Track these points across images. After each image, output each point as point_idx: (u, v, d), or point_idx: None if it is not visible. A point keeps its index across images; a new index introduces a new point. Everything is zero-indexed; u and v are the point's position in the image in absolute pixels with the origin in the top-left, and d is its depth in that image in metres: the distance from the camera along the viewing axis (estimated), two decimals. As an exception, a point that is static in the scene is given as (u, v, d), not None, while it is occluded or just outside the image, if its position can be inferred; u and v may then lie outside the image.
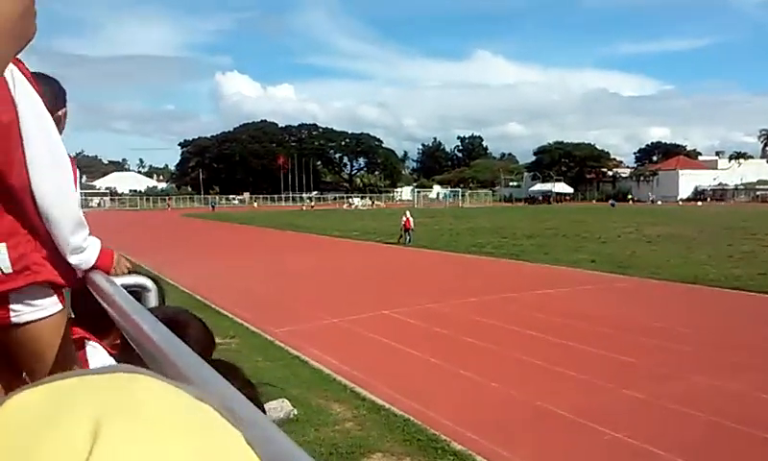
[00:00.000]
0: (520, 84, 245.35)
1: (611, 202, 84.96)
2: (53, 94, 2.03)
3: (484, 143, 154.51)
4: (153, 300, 1.79)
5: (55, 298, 1.74)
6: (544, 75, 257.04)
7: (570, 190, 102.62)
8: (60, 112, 2.05)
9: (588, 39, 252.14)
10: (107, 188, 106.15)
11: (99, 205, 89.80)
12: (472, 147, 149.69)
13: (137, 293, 1.74)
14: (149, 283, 1.83)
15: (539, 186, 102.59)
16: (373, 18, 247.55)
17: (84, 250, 1.74)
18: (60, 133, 2.13)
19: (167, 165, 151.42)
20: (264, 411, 1.03)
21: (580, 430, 5.97)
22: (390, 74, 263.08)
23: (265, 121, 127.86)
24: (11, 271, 1.64)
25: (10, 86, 1.56)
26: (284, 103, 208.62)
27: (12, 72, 1.55)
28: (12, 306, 1.66)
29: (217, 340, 6.40)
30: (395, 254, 22.70)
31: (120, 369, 0.36)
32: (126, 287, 1.55)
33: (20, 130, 1.57)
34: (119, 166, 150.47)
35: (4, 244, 1.63)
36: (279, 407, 6.14)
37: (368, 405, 6.59)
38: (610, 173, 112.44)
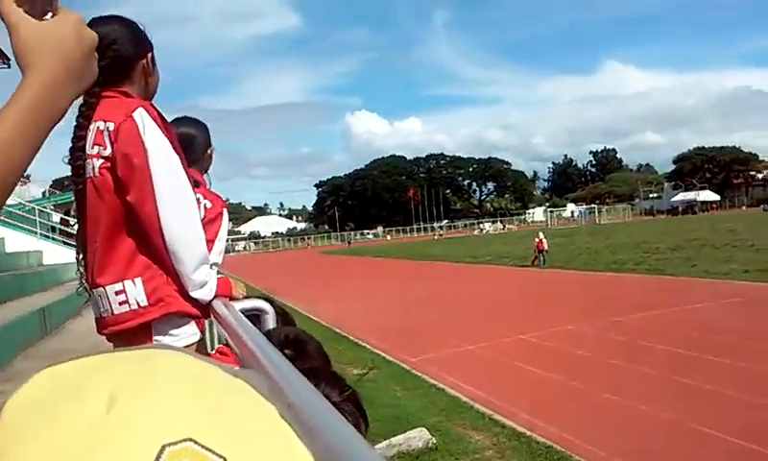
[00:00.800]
0: (653, 91, 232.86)
1: (762, 207, 77.95)
2: (203, 135, 2.33)
3: (618, 155, 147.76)
4: (270, 322, 1.90)
5: (193, 326, 1.90)
6: (678, 79, 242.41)
7: (717, 198, 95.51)
8: (209, 150, 2.33)
9: (723, 37, 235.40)
10: (250, 232, 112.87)
11: (244, 248, 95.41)
12: (606, 160, 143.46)
13: (256, 316, 1.85)
14: (266, 306, 1.93)
15: (681, 196, 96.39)
16: (493, 42, 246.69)
17: (205, 284, 1.89)
18: (209, 168, 2.37)
19: (305, 206, 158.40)
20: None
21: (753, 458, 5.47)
22: (514, 95, 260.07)
23: (394, 155, 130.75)
24: (146, 304, 1.82)
25: (140, 131, 1.74)
26: (411, 136, 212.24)
27: (142, 117, 1.75)
28: (155, 337, 1.84)
29: (355, 371, 6.58)
30: (528, 276, 22.19)
31: (152, 347, 0.37)
32: (245, 311, 1.66)
33: (150, 171, 1.75)
34: (261, 211, 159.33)
35: (140, 278, 1.82)
36: (418, 436, 6.17)
37: (507, 433, 6.46)
38: (760, 176, 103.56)
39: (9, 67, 21.52)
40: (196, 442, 0.30)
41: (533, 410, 7.01)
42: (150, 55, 1.96)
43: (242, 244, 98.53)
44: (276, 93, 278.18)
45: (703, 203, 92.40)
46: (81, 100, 1.77)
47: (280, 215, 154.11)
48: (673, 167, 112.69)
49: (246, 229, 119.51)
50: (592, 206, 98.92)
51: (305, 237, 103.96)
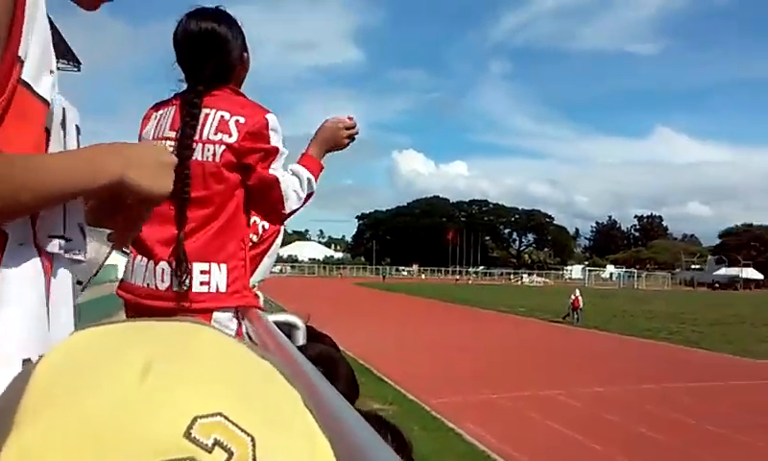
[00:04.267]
0: (703, 163, 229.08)
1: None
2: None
3: (664, 223, 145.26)
4: (301, 338, 1.97)
5: (236, 324, 1.98)
6: (729, 153, 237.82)
7: (760, 276, 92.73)
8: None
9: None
10: (288, 256, 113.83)
11: (281, 271, 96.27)
12: (651, 227, 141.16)
13: (286, 331, 1.92)
14: (298, 322, 2.01)
15: (724, 271, 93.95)
16: (546, 97, 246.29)
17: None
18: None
19: (344, 236, 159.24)
20: None
21: None
22: (562, 152, 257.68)
23: (437, 197, 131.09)
24: (225, 290, 1.90)
25: (270, 131, 1.96)
26: (456, 179, 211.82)
27: (274, 122, 1.98)
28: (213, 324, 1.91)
29: (375, 406, 6.62)
30: (561, 333, 21.92)
31: (186, 320, 0.38)
32: (277, 324, 1.74)
33: (274, 167, 1.99)
34: (301, 236, 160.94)
35: (225, 265, 1.92)
36: (433, 476, 6.15)
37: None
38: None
39: (79, 71, 22.45)
40: (227, 418, 0.30)
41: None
42: (248, 51, 2.07)
43: (279, 266, 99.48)
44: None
45: (746, 280, 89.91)
46: (191, 92, 1.96)
47: (319, 242, 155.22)
48: (718, 241, 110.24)
49: (283, 251, 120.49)
50: (632, 270, 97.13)
51: (341, 266, 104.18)
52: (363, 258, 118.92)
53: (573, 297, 25.31)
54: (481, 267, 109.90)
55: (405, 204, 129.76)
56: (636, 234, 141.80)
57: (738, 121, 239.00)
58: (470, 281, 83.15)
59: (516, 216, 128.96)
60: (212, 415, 0.30)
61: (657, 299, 48.37)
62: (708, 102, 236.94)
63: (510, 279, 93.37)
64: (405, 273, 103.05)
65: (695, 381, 12.36)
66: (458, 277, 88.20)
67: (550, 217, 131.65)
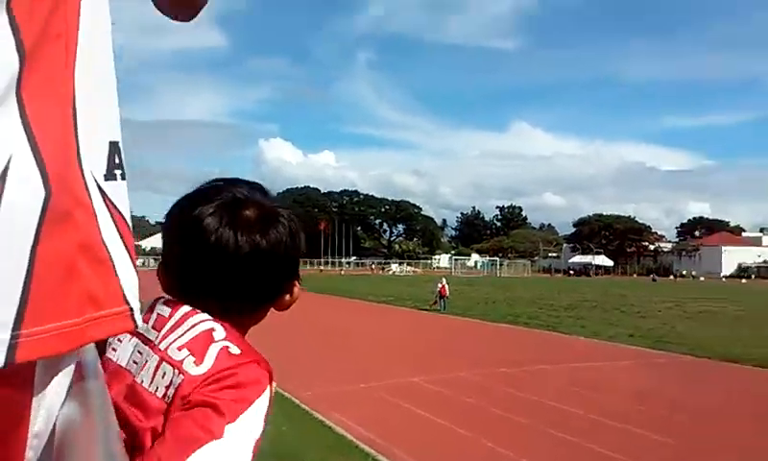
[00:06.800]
0: (556, 156, 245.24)
1: (652, 276, 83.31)
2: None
3: (524, 213, 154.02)
4: None
5: None
6: (581, 147, 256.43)
7: (610, 263, 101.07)
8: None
9: (625, 113, 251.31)
10: (151, 248, 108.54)
11: (143, 264, 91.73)
12: (512, 217, 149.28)
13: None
14: None
15: (578, 258, 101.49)
16: (411, 89, 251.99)
17: None
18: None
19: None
20: None
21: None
22: (427, 144, 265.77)
23: (308, 187, 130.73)
24: None
25: None
26: (324, 169, 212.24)
27: None
28: None
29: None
30: (427, 320, 22.57)
31: None
32: None
33: None
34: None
35: None
36: (297, 471, 6.09)
37: (389, 473, 6.49)
38: (651, 247, 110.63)
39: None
40: None
41: (416, 453, 7.09)
42: None
43: (141, 260, 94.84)
44: (188, 109, 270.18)
45: (597, 267, 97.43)
46: None
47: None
48: (573, 230, 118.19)
49: (147, 244, 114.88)
50: (495, 258, 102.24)
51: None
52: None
53: (440, 285, 26.07)
54: (353, 257, 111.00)
55: (275, 193, 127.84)
56: (498, 224, 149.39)
57: (586, 117, 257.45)
58: (343, 272, 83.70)
59: (386, 207, 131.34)
60: None
61: (517, 286, 51.15)
62: (559, 98, 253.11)
63: (382, 270, 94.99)
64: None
65: (550, 364, 13.15)
66: (322, 268, 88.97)
67: (418, 208, 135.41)
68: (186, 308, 1.04)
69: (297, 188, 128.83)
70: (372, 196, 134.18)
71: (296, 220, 1.16)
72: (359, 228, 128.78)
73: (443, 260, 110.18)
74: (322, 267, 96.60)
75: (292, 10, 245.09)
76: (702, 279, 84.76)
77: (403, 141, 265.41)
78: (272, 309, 1.17)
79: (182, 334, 1.00)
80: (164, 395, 0.94)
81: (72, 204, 0.67)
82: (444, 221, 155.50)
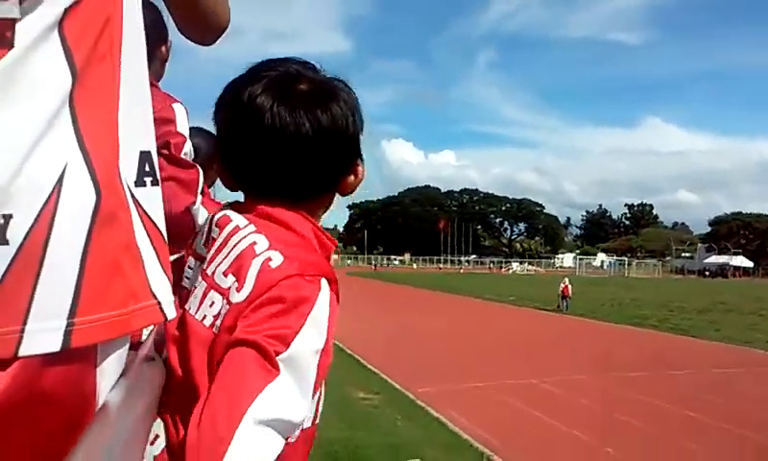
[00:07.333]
0: (691, 152, 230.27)
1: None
2: (208, 144, 1.86)
3: (654, 211, 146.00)
4: None
5: None
6: (717, 143, 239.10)
7: (750, 264, 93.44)
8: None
9: (765, 106, 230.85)
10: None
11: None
12: (641, 215, 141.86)
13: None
14: None
15: (714, 259, 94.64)
16: (533, 86, 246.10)
17: None
18: (215, 181, 1.93)
19: (336, 226, 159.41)
20: None
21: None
22: (550, 141, 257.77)
23: (428, 186, 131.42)
24: None
25: (177, 121, 1.72)
26: (445, 168, 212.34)
27: (181, 110, 1.76)
28: None
29: (361, 394, 6.60)
30: (549, 320, 22.00)
31: None
32: None
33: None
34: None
35: None
36: (414, 468, 6.16)
37: (504, 474, 6.42)
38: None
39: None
40: None
41: (532, 456, 6.96)
42: (169, 42, 1.84)
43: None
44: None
45: (735, 268, 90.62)
46: None
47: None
48: (708, 229, 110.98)
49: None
50: (623, 258, 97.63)
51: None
52: (355, 248, 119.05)
53: (563, 285, 25.45)
54: (473, 256, 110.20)
55: (396, 193, 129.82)
56: (627, 223, 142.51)
57: (724, 112, 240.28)
58: (462, 271, 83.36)
59: (507, 205, 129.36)
60: None
61: (646, 287, 48.66)
62: (695, 91, 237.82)
63: (501, 269, 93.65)
64: (397, 262, 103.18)
65: (680, 369, 12.45)
66: (441, 266, 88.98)
67: (541, 206, 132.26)
68: (232, 225, 0.97)
69: (417, 187, 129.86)
70: (493, 194, 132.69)
71: (354, 94, 1.08)
72: (479, 226, 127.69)
73: (566, 260, 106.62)
74: (441, 265, 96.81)
75: (412, 13, 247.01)
76: None
77: (525, 139, 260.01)
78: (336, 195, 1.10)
79: (227, 255, 0.94)
80: (212, 324, 0.90)
81: (117, 206, 0.74)
82: (568, 219, 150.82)
